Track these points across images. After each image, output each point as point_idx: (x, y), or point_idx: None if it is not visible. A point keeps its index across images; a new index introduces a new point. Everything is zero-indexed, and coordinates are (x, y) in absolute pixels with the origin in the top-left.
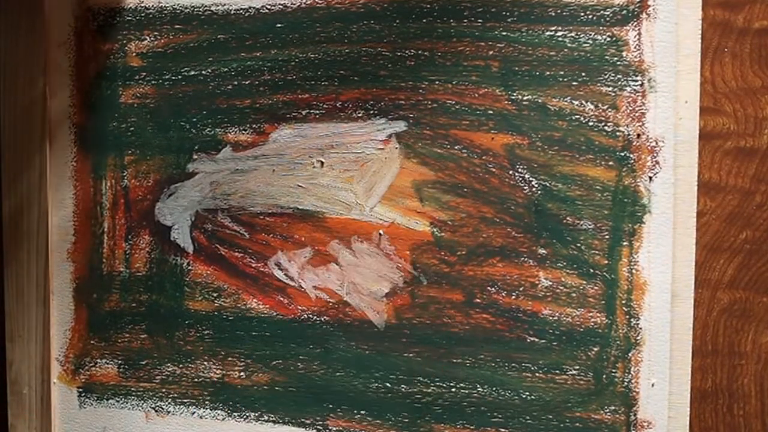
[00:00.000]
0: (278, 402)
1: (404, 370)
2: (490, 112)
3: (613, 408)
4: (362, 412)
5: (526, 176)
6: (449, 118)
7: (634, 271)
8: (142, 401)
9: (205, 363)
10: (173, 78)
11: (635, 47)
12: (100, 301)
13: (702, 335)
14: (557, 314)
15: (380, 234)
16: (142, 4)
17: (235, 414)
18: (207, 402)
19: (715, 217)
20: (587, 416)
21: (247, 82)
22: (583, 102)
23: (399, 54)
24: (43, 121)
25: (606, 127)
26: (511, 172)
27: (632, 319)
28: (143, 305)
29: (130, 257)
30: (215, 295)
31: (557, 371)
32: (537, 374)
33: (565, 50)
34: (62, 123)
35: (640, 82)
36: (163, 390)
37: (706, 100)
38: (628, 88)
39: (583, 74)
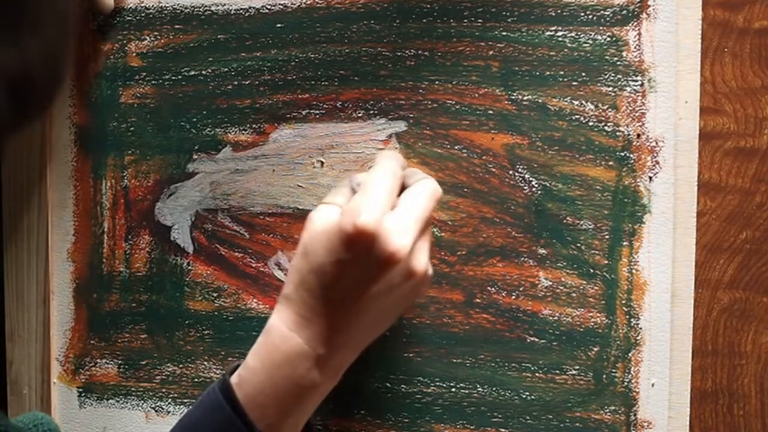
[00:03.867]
0: None
1: (404, 370)
2: (490, 112)
3: (613, 408)
4: (362, 411)
5: (526, 176)
6: (449, 118)
7: (634, 271)
8: (142, 401)
9: (205, 363)
10: (173, 78)
11: (635, 47)
12: (100, 301)
13: (702, 335)
14: (557, 314)
15: None
16: (142, 4)
17: None
18: None
19: (715, 217)
20: (587, 416)
21: (247, 82)
22: (583, 102)
23: (399, 54)
24: (43, 121)
25: (606, 127)
26: (511, 172)
27: (632, 319)
28: (143, 305)
29: (130, 257)
30: (215, 295)
31: (557, 371)
32: (537, 374)
33: (565, 50)
34: (62, 123)
35: (640, 82)
36: (163, 390)
37: (706, 100)
38: (628, 88)
39: (583, 74)
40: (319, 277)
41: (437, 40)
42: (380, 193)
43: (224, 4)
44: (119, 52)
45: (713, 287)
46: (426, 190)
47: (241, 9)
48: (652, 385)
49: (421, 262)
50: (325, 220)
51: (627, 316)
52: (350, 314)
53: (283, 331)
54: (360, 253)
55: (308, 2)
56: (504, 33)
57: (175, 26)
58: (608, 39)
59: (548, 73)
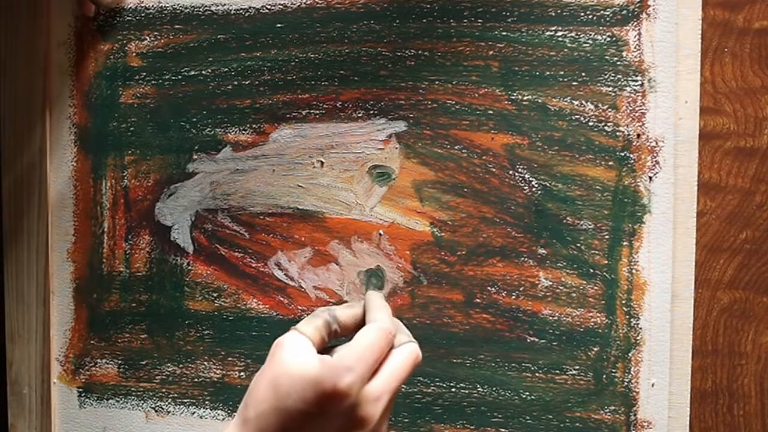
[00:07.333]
0: None
1: None
2: (490, 112)
3: (613, 408)
4: None
5: (526, 176)
6: (449, 118)
7: (634, 271)
8: (142, 401)
9: (205, 363)
10: (173, 78)
11: (635, 47)
12: (100, 301)
13: (702, 335)
14: (557, 314)
15: (380, 234)
16: (142, 4)
17: (235, 414)
18: (207, 402)
19: (715, 217)
20: (587, 416)
21: (247, 82)
22: (583, 102)
23: (399, 54)
24: (43, 121)
25: (606, 127)
26: (511, 172)
27: (632, 319)
28: (143, 305)
29: (130, 257)
30: (215, 295)
31: (557, 371)
32: (537, 374)
33: (565, 50)
34: (62, 123)
35: (640, 82)
36: (163, 390)
37: (706, 100)
38: (628, 88)
39: (583, 74)
40: (283, 419)
41: (437, 40)
42: (368, 359)
43: (224, 4)
44: (119, 52)
45: (713, 287)
46: (409, 357)
47: (241, 9)
48: (652, 385)
49: (383, 427)
50: (303, 365)
51: (627, 316)
52: None
53: None
54: (331, 412)
55: (308, 2)
56: (504, 33)
57: (175, 26)
58: (608, 39)
59: (548, 73)
